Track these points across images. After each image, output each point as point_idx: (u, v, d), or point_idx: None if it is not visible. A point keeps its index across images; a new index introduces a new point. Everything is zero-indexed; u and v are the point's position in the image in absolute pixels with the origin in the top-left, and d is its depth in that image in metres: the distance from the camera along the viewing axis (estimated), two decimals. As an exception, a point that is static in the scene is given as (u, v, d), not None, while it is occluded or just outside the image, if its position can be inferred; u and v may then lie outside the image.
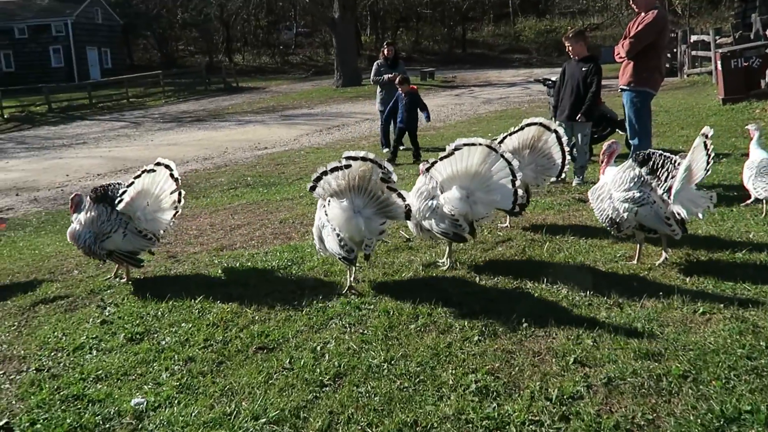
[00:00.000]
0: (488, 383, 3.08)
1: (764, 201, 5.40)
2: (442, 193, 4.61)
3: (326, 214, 4.35)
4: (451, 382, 3.12)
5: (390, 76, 11.47)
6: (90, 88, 28.82)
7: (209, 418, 2.95)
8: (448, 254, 4.85)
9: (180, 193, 5.01)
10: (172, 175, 4.89)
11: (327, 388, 3.17)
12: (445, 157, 4.52)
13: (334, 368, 3.33)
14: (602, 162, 4.75)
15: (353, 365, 3.35)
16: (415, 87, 10.95)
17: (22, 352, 3.84)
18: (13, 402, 3.24)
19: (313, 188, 4.27)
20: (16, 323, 4.31)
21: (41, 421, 3.03)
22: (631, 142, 6.90)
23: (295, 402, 3.04)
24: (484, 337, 3.56)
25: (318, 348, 3.58)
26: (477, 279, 4.48)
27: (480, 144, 4.46)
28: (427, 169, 4.65)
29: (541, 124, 5.44)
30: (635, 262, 4.52)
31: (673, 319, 3.61)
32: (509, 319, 3.74)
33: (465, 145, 4.46)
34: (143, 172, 4.84)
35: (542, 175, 5.58)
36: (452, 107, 19.90)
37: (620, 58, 6.81)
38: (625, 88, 6.73)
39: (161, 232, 5.04)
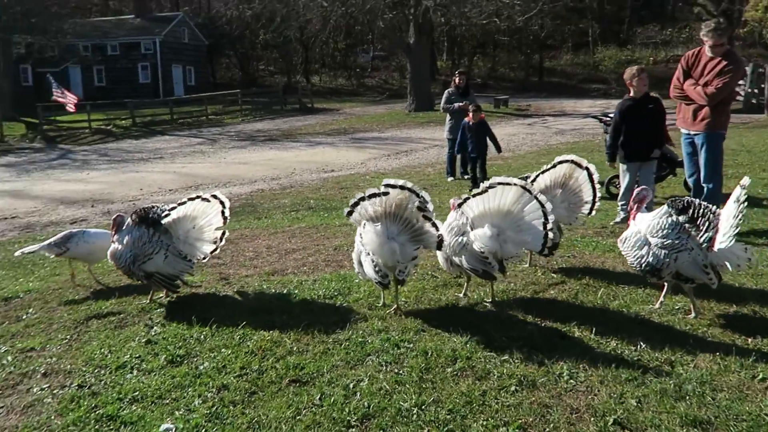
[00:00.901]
0: (519, 439, 2.94)
1: None
2: (472, 229, 4.62)
3: (361, 238, 4.51)
4: (480, 435, 3.00)
5: (461, 104, 11.49)
6: (172, 104, 30.14)
7: (232, 452, 2.94)
8: (466, 288, 4.92)
9: (224, 233, 5.14)
10: (223, 213, 5.02)
11: (353, 430, 3.11)
12: (479, 194, 4.55)
13: (364, 408, 3.27)
14: (632, 209, 4.65)
15: (383, 407, 3.28)
16: (483, 116, 10.89)
17: (69, 366, 3.96)
18: (52, 417, 3.34)
19: (350, 213, 4.46)
20: (67, 337, 4.48)
21: (74, 439, 3.10)
22: (704, 185, 6.62)
23: (319, 442, 2.99)
24: (522, 388, 3.42)
25: (351, 385, 3.53)
26: (523, 323, 4.33)
27: (515, 184, 4.46)
28: (459, 205, 4.69)
29: (572, 162, 5.39)
30: (693, 315, 4.27)
31: (728, 384, 3.36)
32: (550, 370, 3.58)
33: (499, 184, 4.48)
34: (198, 197, 4.97)
35: (574, 213, 5.50)
36: (523, 137, 19.65)
37: (678, 97, 6.62)
38: (698, 132, 6.52)
39: (194, 261, 5.16)
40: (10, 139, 22.86)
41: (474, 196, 4.56)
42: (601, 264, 5.66)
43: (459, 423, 3.11)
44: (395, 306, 4.61)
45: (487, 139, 10.69)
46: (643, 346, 3.84)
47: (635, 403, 3.20)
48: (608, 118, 9.04)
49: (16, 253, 6.12)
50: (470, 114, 10.62)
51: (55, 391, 3.64)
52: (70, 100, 23.65)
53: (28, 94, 31.54)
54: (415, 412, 3.22)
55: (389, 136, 21.71)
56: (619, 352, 3.81)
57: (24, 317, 4.95)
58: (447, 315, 4.52)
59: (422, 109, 28.98)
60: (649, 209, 6.89)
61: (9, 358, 4.14)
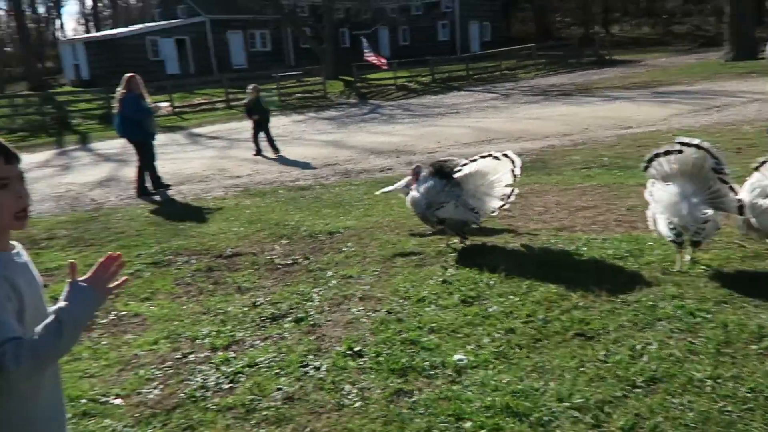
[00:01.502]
0: (836, 432, 2.63)
1: None
2: None
3: (652, 195, 4.54)
4: (786, 419, 2.76)
5: (790, 50, 9.90)
6: (468, 60, 31.06)
7: (517, 389, 3.16)
8: None
9: (513, 191, 5.32)
10: (513, 171, 5.21)
11: (638, 390, 3.09)
12: None
13: (650, 372, 3.22)
14: None
15: (672, 374, 3.18)
16: None
17: (379, 295, 4.60)
18: (367, 334, 3.95)
19: (646, 168, 4.50)
20: (378, 269, 5.16)
21: (384, 354, 3.64)
22: None
23: (602, 395, 3.05)
24: None
25: (638, 347, 3.48)
26: None
27: None
28: (756, 168, 4.30)
29: None
30: None
31: None
32: None
33: None
34: (489, 156, 5.25)
35: None
36: None
37: None
38: None
39: (482, 213, 5.42)
40: (332, 96, 26.06)
41: None
42: None
43: (762, 402, 2.89)
44: (678, 266, 4.51)
45: None
46: None
47: None
48: None
49: (377, 192, 7.50)
50: None
51: (368, 314, 4.28)
52: (379, 60, 26.00)
53: (346, 55, 35.37)
54: (709, 384, 3.07)
55: (699, 90, 19.51)
56: None
57: (344, 249, 5.81)
58: (754, 288, 4.11)
59: (743, 58, 25.31)
60: None
61: (334, 281, 4.96)
